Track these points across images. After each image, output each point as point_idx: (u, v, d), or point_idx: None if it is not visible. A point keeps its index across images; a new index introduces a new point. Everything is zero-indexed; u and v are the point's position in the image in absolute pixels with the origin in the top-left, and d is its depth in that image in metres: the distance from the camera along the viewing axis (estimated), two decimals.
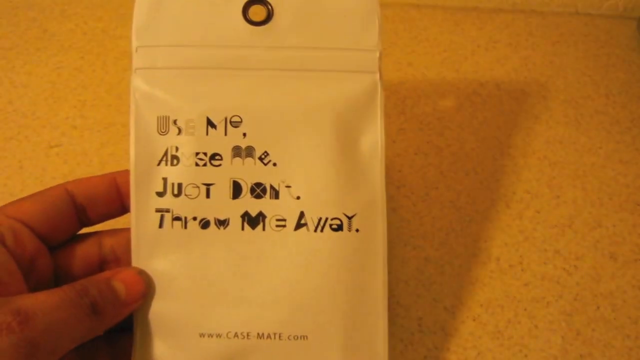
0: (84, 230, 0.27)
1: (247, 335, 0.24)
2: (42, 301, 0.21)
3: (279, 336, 0.24)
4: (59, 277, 0.25)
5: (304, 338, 0.24)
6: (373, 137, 0.25)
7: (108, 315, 0.23)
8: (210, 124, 0.25)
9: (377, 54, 0.25)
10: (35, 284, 0.24)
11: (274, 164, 0.25)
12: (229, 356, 0.24)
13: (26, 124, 0.43)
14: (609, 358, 0.33)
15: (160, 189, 0.25)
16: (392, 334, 0.33)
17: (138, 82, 0.25)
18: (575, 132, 0.44)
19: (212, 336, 0.24)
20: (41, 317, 0.20)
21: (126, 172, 0.26)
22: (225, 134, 0.25)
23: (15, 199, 0.25)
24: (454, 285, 0.35)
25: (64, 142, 0.42)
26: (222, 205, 0.25)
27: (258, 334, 0.24)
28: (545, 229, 0.38)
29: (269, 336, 0.24)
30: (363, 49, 0.25)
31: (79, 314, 0.22)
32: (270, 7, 0.25)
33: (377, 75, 0.25)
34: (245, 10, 0.25)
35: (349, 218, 0.25)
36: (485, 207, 0.39)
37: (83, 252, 0.26)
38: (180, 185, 0.25)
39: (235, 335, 0.24)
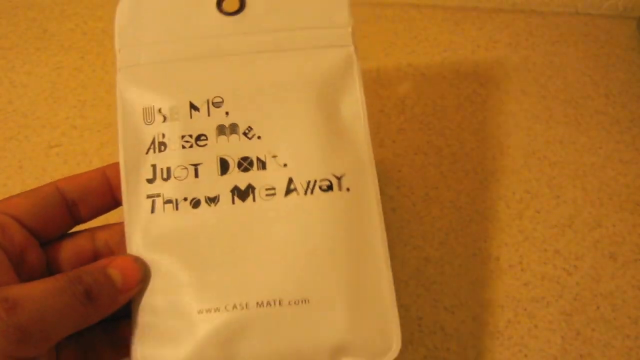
0: (78, 228, 0.27)
1: (246, 305, 0.23)
2: (31, 288, 0.21)
3: (279, 302, 0.23)
4: (52, 272, 0.25)
5: (305, 302, 0.24)
6: (354, 104, 0.26)
7: (104, 302, 0.23)
8: (193, 107, 0.25)
9: (350, 29, 0.27)
10: (27, 277, 0.24)
11: (259, 137, 0.25)
12: (230, 329, 0.23)
13: (26, 124, 0.43)
14: (609, 358, 0.33)
15: (150, 176, 0.25)
16: None
17: (122, 80, 0.26)
18: (575, 132, 0.44)
19: (210, 311, 0.23)
20: (30, 304, 0.20)
21: (115, 165, 0.26)
22: (209, 115, 0.25)
23: None
24: (454, 285, 0.35)
25: (64, 142, 0.42)
26: (211, 182, 0.25)
27: (257, 302, 0.23)
28: (545, 229, 0.38)
29: (268, 303, 0.23)
30: (336, 26, 0.27)
31: (71, 301, 0.22)
32: None
33: (352, 48, 0.27)
34: (219, 3, 0.26)
35: (338, 178, 0.25)
36: (485, 207, 0.39)
37: (76, 246, 0.26)
38: (169, 169, 0.25)
39: (234, 306, 0.23)
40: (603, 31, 0.51)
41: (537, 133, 0.43)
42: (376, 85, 0.46)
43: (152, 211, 0.25)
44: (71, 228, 0.27)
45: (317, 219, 0.25)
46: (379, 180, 0.39)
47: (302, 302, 0.24)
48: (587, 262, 0.37)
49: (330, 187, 0.25)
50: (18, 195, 0.25)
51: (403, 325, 0.34)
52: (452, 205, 0.39)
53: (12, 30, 0.49)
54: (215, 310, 0.23)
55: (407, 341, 0.33)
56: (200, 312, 0.23)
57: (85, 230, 0.27)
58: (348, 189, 0.25)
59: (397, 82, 0.46)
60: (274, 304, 0.23)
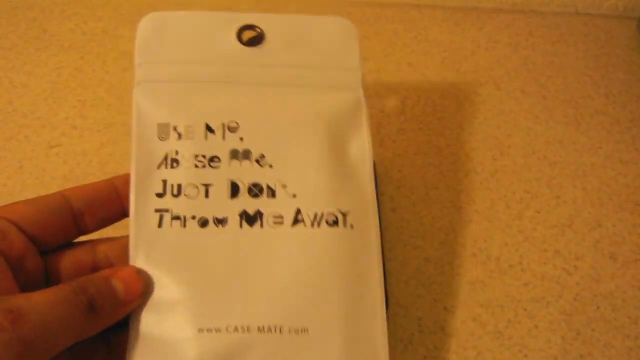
0: (82, 238, 0.27)
1: (248, 328, 0.24)
2: (35, 299, 0.21)
3: (280, 329, 0.24)
4: (50, 282, 0.25)
5: (304, 331, 0.24)
6: (360, 145, 0.27)
7: (106, 314, 0.23)
8: (208, 129, 0.26)
9: (360, 74, 0.28)
10: (24, 284, 0.24)
11: (270, 166, 0.26)
12: (229, 351, 0.24)
13: (26, 124, 0.43)
14: (609, 358, 0.33)
15: (160, 190, 0.25)
16: (392, 334, 0.33)
17: (139, 94, 0.26)
18: (575, 132, 0.44)
19: (211, 331, 0.24)
20: (35, 315, 0.20)
21: (125, 176, 0.26)
22: (223, 138, 0.26)
23: (15, 199, 0.25)
24: (454, 285, 0.35)
25: (63, 142, 0.42)
26: (221, 204, 0.25)
27: (258, 327, 0.24)
28: (545, 229, 0.38)
29: (269, 329, 0.24)
30: (346, 69, 0.28)
31: (75, 312, 0.21)
32: (261, 31, 0.28)
33: (361, 92, 0.28)
34: (240, 33, 0.27)
35: (344, 214, 0.26)
36: (485, 207, 0.39)
37: (76, 257, 0.26)
38: (179, 186, 0.25)
39: (235, 329, 0.24)
40: (603, 31, 0.51)
41: (537, 133, 0.43)
42: (376, 85, 0.46)
43: (160, 225, 0.25)
44: (75, 238, 0.27)
45: (322, 252, 0.25)
46: (379, 180, 0.39)
47: (301, 331, 0.24)
48: (587, 262, 0.37)
49: (336, 222, 0.25)
50: (22, 201, 0.25)
51: (403, 325, 0.34)
52: (452, 205, 0.39)
53: (12, 30, 0.49)
54: (216, 331, 0.24)
55: (407, 341, 0.33)
56: (200, 330, 0.23)
57: (87, 241, 0.27)
58: (352, 226, 0.26)
59: (397, 82, 0.46)
60: (275, 330, 0.24)
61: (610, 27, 0.51)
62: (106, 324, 0.23)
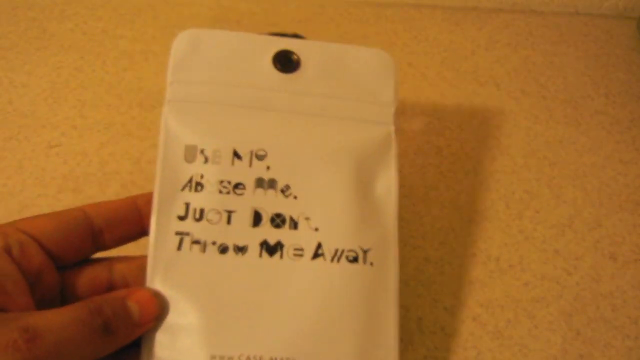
0: (99, 254, 0.27)
1: (260, 358, 0.24)
2: (51, 319, 0.20)
3: None
4: (65, 297, 0.25)
5: None
6: (387, 182, 0.28)
7: (120, 335, 0.22)
8: (236, 155, 0.26)
9: (393, 109, 0.28)
10: (40, 299, 0.24)
11: (295, 197, 0.26)
12: None
13: (26, 124, 0.43)
14: (609, 358, 0.33)
15: (182, 213, 0.25)
16: None
17: (170, 113, 0.26)
18: (575, 132, 0.44)
19: (223, 358, 0.24)
20: (50, 336, 0.20)
21: (148, 195, 0.26)
22: (250, 166, 0.26)
23: (15, 199, 0.25)
24: (454, 285, 0.35)
25: (63, 142, 0.42)
26: (242, 232, 0.25)
27: (271, 357, 0.24)
28: (545, 229, 0.38)
29: None
30: (380, 103, 0.28)
31: (90, 333, 0.21)
32: (298, 58, 0.27)
33: (392, 128, 0.28)
34: (275, 59, 0.27)
35: (365, 252, 0.26)
36: (485, 207, 0.39)
37: (92, 275, 0.26)
38: (202, 211, 0.25)
39: (248, 358, 0.24)
40: (603, 31, 0.51)
41: (537, 133, 0.43)
42: None
43: (179, 248, 0.25)
44: (92, 254, 0.27)
45: (340, 288, 0.25)
46: None
47: None
48: (587, 262, 0.37)
49: (356, 259, 0.26)
50: (43, 215, 0.25)
51: (403, 325, 0.34)
52: (452, 205, 0.39)
53: (12, 30, 0.49)
54: (228, 358, 0.24)
55: (407, 341, 0.33)
56: (213, 357, 0.23)
57: (104, 258, 0.27)
58: (372, 264, 0.26)
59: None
60: None
61: (610, 27, 0.51)
62: (120, 344, 0.23)
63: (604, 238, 0.38)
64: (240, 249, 0.25)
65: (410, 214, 0.38)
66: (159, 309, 0.24)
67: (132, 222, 0.27)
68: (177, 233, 0.25)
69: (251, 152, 0.26)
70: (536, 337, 0.33)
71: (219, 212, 0.25)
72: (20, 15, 0.50)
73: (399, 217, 0.28)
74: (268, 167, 0.26)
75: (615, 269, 0.36)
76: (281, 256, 0.25)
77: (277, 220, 0.25)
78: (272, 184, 0.26)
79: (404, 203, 0.39)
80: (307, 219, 0.26)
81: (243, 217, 0.25)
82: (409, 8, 0.52)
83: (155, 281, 0.25)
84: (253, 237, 0.25)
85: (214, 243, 0.25)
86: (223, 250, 0.25)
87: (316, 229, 0.25)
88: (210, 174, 0.25)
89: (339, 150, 0.26)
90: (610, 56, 0.49)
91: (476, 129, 0.43)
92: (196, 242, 0.25)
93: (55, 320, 0.21)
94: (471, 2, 0.52)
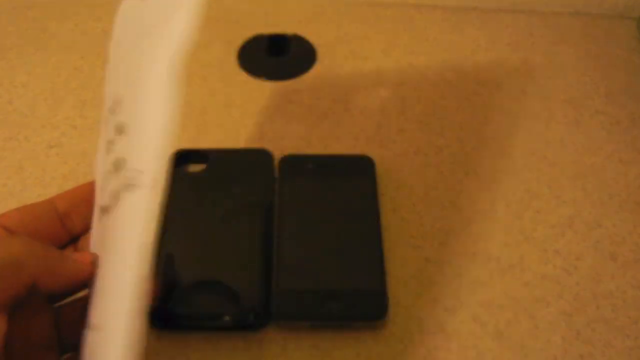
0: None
1: None
2: None
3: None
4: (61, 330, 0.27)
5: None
6: None
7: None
8: None
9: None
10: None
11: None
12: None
13: (26, 124, 0.43)
14: (609, 358, 0.33)
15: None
16: (392, 334, 0.33)
17: None
18: (575, 132, 0.43)
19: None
20: None
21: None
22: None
23: (15, 199, 0.26)
24: (454, 285, 0.35)
25: (63, 142, 0.42)
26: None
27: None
28: (545, 229, 0.38)
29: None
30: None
31: None
32: None
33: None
34: None
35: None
36: (485, 207, 0.39)
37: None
38: None
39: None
40: (603, 31, 0.51)
41: (537, 133, 0.43)
42: (376, 85, 0.46)
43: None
44: (67, 242, 0.28)
45: None
46: (379, 180, 0.39)
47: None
48: (587, 262, 0.37)
49: None
50: (15, 209, 0.27)
51: (403, 325, 0.34)
52: (452, 205, 0.39)
53: (12, 30, 0.49)
54: None
55: (407, 341, 0.33)
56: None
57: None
58: None
59: (397, 82, 0.46)
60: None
61: (610, 27, 0.51)
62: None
63: (604, 238, 0.38)
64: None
65: (410, 214, 0.38)
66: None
67: (92, 201, 0.29)
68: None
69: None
70: (536, 337, 0.33)
71: None
72: (20, 15, 0.50)
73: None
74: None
75: (615, 269, 0.36)
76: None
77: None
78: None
79: (404, 203, 0.39)
80: None
81: None
82: (409, 8, 0.52)
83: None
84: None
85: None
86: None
87: None
88: None
89: None
90: (610, 56, 0.49)
91: (476, 129, 0.43)
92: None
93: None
94: (471, 2, 0.52)
